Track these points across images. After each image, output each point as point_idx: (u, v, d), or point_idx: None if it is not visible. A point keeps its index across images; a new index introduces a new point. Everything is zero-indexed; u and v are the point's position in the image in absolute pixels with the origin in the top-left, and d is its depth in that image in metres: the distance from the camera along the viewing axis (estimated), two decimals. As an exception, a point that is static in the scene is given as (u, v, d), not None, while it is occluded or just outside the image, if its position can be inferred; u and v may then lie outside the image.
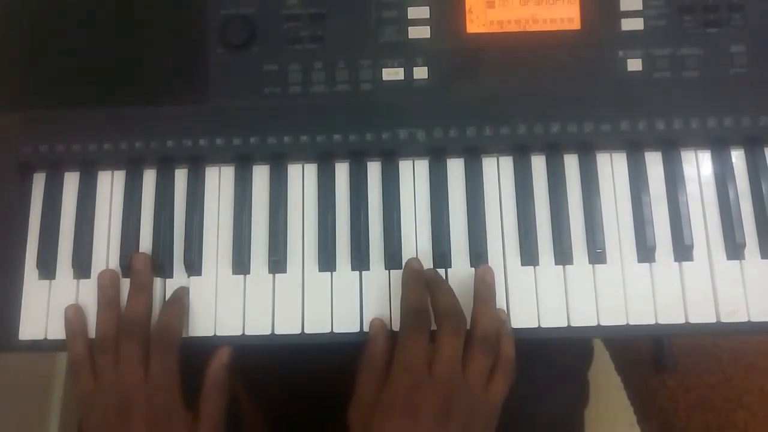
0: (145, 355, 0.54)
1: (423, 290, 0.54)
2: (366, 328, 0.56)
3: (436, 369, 0.51)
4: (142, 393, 0.53)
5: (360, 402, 0.53)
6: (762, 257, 0.56)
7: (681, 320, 0.55)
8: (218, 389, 0.55)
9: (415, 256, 0.57)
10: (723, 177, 0.57)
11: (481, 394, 0.51)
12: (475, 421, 0.51)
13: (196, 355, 0.55)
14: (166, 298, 0.57)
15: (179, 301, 0.56)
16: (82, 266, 0.58)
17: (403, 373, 0.51)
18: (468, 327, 0.53)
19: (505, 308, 0.56)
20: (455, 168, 0.59)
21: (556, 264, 0.57)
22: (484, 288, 0.55)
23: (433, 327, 0.53)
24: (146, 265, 0.57)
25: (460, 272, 0.57)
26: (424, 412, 0.49)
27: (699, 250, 0.56)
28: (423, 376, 0.50)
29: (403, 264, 0.57)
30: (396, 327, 0.55)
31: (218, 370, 0.55)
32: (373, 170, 0.59)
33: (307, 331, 0.56)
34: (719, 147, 0.58)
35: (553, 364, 0.66)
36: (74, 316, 0.56)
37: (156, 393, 0.53)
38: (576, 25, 0.58)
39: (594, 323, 0.55)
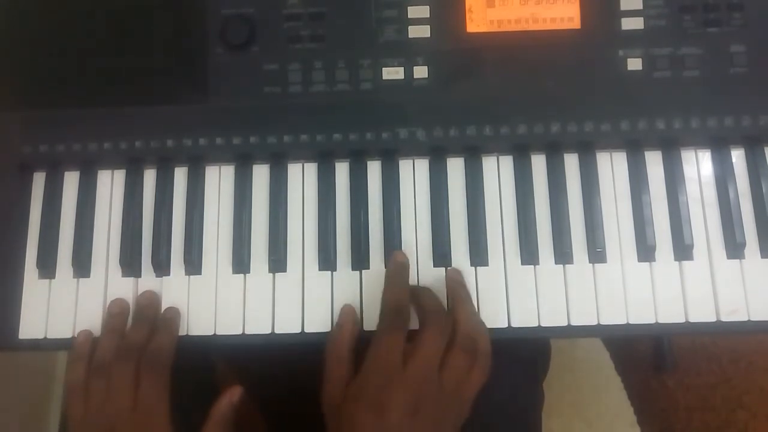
0: (137, 381, 0.53)
1: (406, 288, 0.55)
2: (366, 328, 0.56)
3: (412, 366, 0.50)
4: (130, 416, 0.52)
5: (329, 393, 0.53)
6: (762, 257, 0.56)
7: (681, 319, 0.55)
8: (221, 427, 0.55)
9: (400, 249, 0.57)
10: (723, 176, 0.57)
11: (454, 392, 0.51)
12: (446, 417, 0.51)
13: (196, 357, 0.55)
14: (164, 299, 0.57)
15: (172, 325, 0.56)
16: (82, 265, 0.58)
17: (374, 370, 0.51)
18: None
19: (504, 308, 0.56)
20: (455, 167, 0.59)
21: (556, 263, 0.57)
22: (459, 288, 0.55)
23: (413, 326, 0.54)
24: (152, 303, 0.57)
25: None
26: (393, 410, 0.49)
27: (699, 250, 0.56)
28: (394, 374, 0.50)
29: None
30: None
31: (226, 407, 0.55)
32: (373, 169, 0.59)
33: (306, 330, 0.56)
34: (719, 146, 0.58)
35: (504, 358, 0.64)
36: (83, 341, 0.56)
37: (144, 417, 0.52)
38: (576, 24, 0.58)
39: (594, 322, 0.55)
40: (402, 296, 0.54)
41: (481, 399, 0.53)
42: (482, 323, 0.55)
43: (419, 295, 0.54)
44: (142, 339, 0.55)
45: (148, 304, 0.57)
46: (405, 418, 0.49)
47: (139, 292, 0.58)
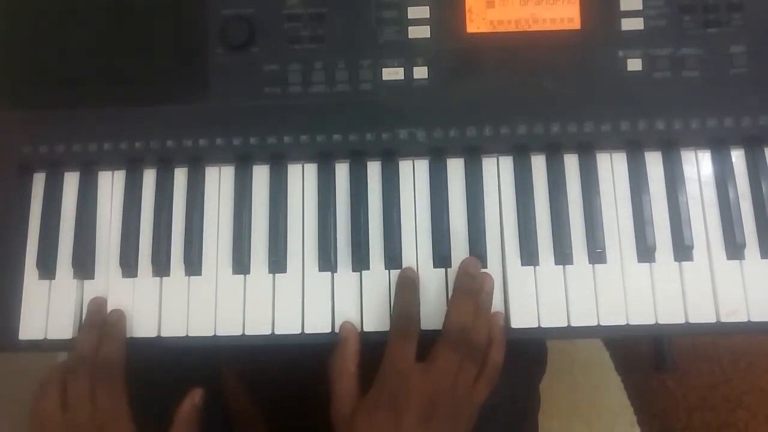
0: (94, 389, 0.53)
1: (414, 296, 0.55)
2: (366, 329, 0.56)
3: (429, 375, 0.51)
4: (91, 421, 0.52)
5: (339, 409, 0.53)
6: (762, 257, 0.56)
7: (681, 320, 0.55)
8: (186, 428, 0.55)
9: (410, 266, 0.57)
10: (723, 177, 0.57)
11: (464, 399, 0.52)
12: (457, 424, 0.51)
13: (202, 362, 0.55)
14: (163, 298, 0.57)
15: (117, 329, 0.56)
16: (82, 266, 0.58)
17: (390, 375, 0.52)
18: None
19: (503, 309, 0.56)
20: (455, 168, 0.59)
21: (556, 264, 0.57)
22: (482, 296, 0.55)
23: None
24: (101, 308, 0.57)
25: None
26: (408, 414, 0.50)
27: (699, 250, 0.56)
28: (410, 379, 0.51)
29: (403, 264, 0.57)
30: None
31: (189, 410, 0.55)
32: (373, 170, 0.59)
33: (307, 331, 0.56)
34: (719, 147, 0.58)
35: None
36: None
37: (106, 420, 0.52)
38: (576, 24, 0.58)
39: (594, 323, 0.55)
40: (411, 303, 0.55)
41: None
42: (499, 332, 0.55)
43: (450, 308, 0.54)
44: (90, 349, 0.55)
45: (97, 310, 0.57)
46: (419, 423, 0.49)
47: (138, 293, 0.57)
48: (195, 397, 0.56)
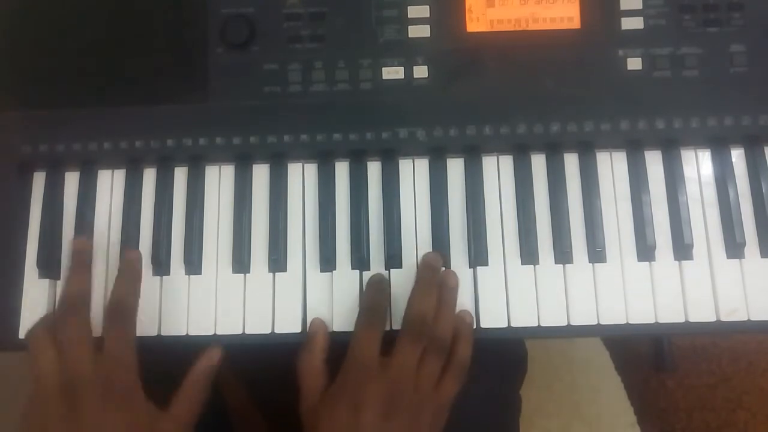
0: (90, 332, 0.51)
1: (383, 293, 0.55)
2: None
3: (389, 369, 0.51)
4: (95, 367, 0.48)
5: (307, 406, 0.53)
6: (762, 256, 0.56)
7: (681, 319, 0.55)
8: (199, 390, 0.53)
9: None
10: (723, 176, 0.57)
11: (428, 395, 0.51)
12: (420, 421, 0.51)
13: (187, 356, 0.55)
14: (163, 297, 0.57)
15: (131, 270, 0.55)
16: (82, 265, 0.58)
17: (352, 368, 0.51)
18: None
19: (503, 308, 0.56)
20: (455, 167, 0.59)
21: (556, 263, 0.57)
22: (445, 291, 0.55)
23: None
24: (86, 247, 0.56)
25: (459, 272, 0.57)
26: (369, 408, 0.49)
27: (699, 249, 0.56)
28: (372, 373, 0.50)
29: (403, 263, 0.57)
30: (396, 326, 0.55)
31: (205, 369, 0.54)
32: (373, 169, 0.59)
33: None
34: (719, 146, 0.58)
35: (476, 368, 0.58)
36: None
37: (112, 367, 0.49)
38: (576, 24, 0.58)
39: (594, 322, 0.55)
40: (379, 298, 0.54)
41: (454, 410, 0.53)
42: (467, 329, 0.54)
43: (410, 299, 0.54)
44: (84, 287, 0.53)
45: (83, 248, 0.56)
46: (380, 417, 0.49)
47: (140, 292, 0.57)
48: (213, 356, 0.54)
